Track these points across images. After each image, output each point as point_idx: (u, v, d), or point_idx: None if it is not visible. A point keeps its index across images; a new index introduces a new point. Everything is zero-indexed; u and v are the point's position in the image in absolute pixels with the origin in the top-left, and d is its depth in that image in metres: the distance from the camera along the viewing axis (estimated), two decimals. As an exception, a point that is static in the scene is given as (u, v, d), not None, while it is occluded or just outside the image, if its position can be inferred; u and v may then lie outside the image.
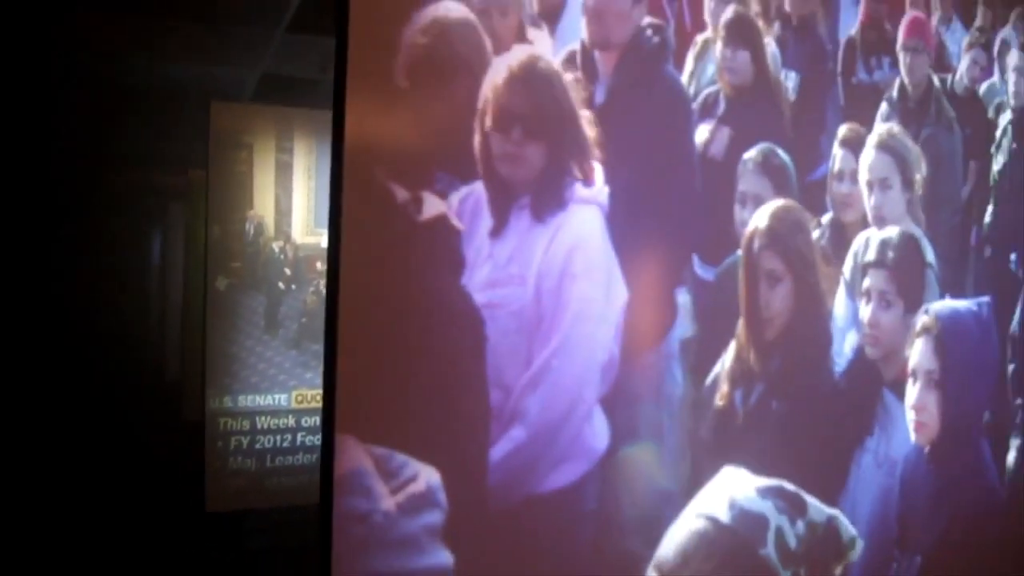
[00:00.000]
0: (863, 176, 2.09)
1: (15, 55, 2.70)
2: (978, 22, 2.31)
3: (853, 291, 2.08)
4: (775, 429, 1.94)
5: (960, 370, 2.24)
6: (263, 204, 3.02)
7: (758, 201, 1.86)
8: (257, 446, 2.91)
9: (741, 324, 1.86)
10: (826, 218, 2.02)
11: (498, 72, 1.49)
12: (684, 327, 1.74)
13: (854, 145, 2.06)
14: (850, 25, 2.10)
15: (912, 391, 2.18)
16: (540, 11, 1.63)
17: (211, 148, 2.96)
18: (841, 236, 2.04)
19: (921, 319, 2.20)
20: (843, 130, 2.05)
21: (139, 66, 3.12)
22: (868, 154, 2.09)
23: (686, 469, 1.76)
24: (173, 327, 3.31)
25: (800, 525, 1.96)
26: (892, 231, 2.11)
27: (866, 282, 2.08)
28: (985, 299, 2.37)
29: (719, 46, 1.86)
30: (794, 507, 1.99)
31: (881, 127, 2.12)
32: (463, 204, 1.48)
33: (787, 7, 1.96)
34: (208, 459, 2.85)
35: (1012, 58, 2.41)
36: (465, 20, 1.51)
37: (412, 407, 1.48)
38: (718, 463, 1.84)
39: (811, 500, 1.99)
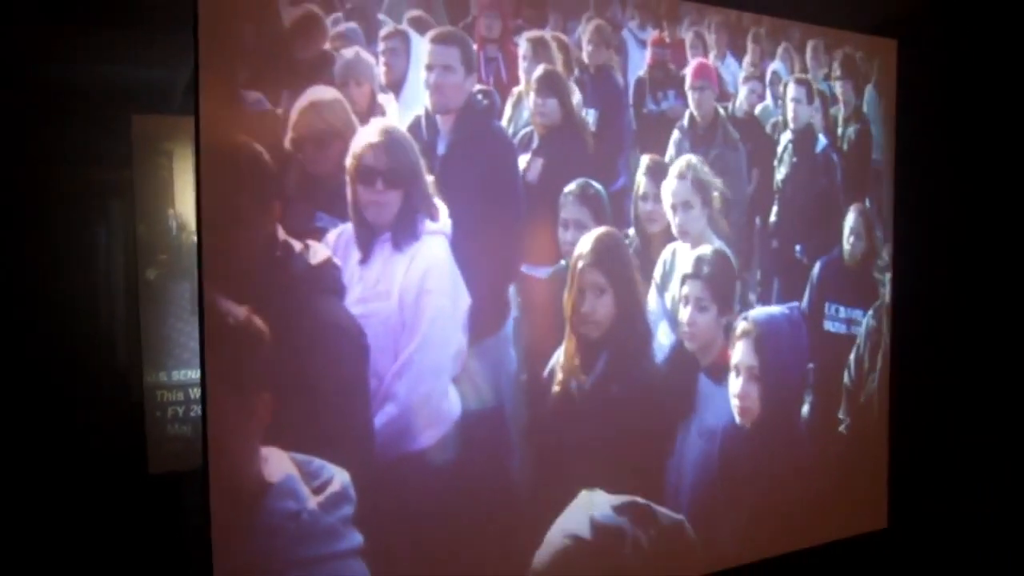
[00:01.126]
0: (667, 200, 2.67)
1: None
2: (748, 57, 2.94)
3: (662, 291, 2.67)
4: (609, 409, 2.52)
5: (776, 364, 2.89)
6: (184, 203, 3.42)
7: (579, 225, 2.43)
8: (192, 414, 3.32)
9: (568, 329, 2.42)
10: (632, 231, 2.60)
11: (362, 140, 2.05)
12: (514, 312, 2.32)
13: (655, 172, 2.65)
14: (639, 67, 2.67)
15: (736, 383, 2.80)
16: (387, 83, 2.20)
17: (134, 155, 3.37)
18: (648, 245, 2.64)
19: (741, 324, 2.82)
20: (645, 160, 2.64)
21: (79, 71, 3.48)
22: (671, 182, 2.68)
23: (522, 424, 2.35)
24: (120, 316, 3.72)
25: (653, 532, 2.57)
26: (706, 249, 2.70)
27: (684, 289, 2.66)
28: (796, 303, 3.04)
29: (532, 96, 2.41)
30: (646, 517, 2.57)
31: (681, 160, 2.71)
32: (338, 241, 2.02)
33: (585, 59, 2.53)
34: (148, 428, 3.27)
35: (790, 91, 3.07)
36: (335, 99, 2.06)
37: (314, 408, 2.00)
38: (560, 439, 2.44)
39: (660, 509, 2.59)
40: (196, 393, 3.36)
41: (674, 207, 2.67)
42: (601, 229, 2.45)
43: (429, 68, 2.21)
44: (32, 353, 3.37)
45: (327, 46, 2.14)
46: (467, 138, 2.25)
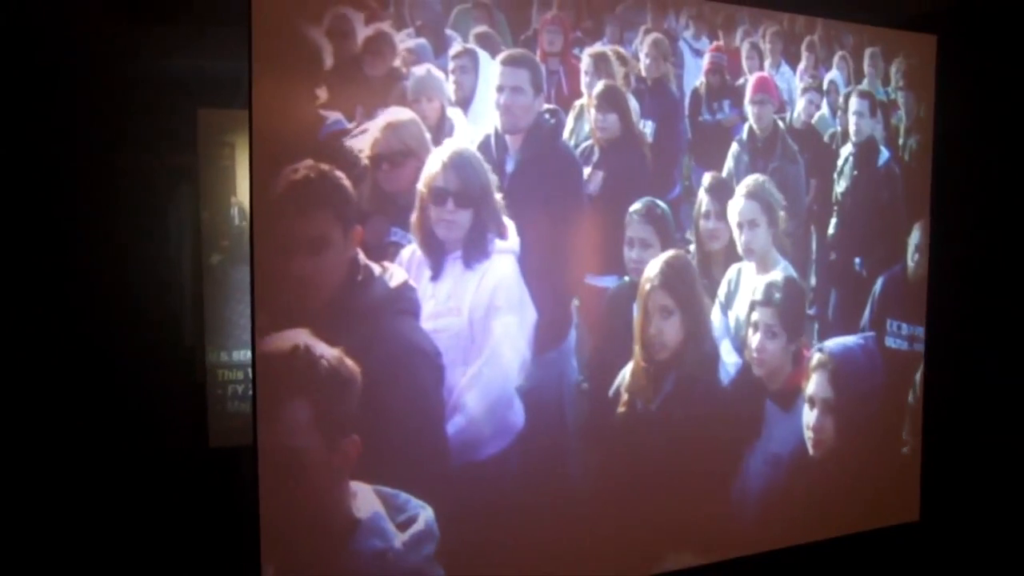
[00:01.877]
0: (733, 218, 2.75)
1: (37, 56, 3.30)
2: (803, 64, 2.98)
3: (726, 309, 2.75)
4: (675, 431, 2.63)
5: (852, 396, 2.97)
6: (245, 192, 3.56)
7: (644, 244, 2.53)
8: (250, 392, 3.56)
9: (637, 349, 2.53)
10: (693, 247, 2.68)
11: (434, 162, 2.17)
12: (576, 321, 2.44)
13: (718, 190, 2.73)
14: (694, 76, 2.74)
15: (811, 415, 2.88)
16: (457, 100, 2.32)
17: (199, 148, 3.62)
18: (709, 262, 2.72)
19: (817, 356, 2.90)
20: (707, 178, 2.72)
21: (152, 64, 3.72)
22: (738, 201, 2.76)
23: (586, 441, 2.47)
24: (187, 299, 3.95)
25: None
26: (777, 275, 2.77)
27: (754, 316, 2.74)
28: (871, 333, 3.10)
29: (593, 112, 2.51)
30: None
31: (748, 179, 2.79)
32: (411, 259, 2.15)
33: (643, 72, 2.62)
34: (210, 404, 3.54)
35: (852, 104, 3.09)
36: (411, 120, 2.20)
37: (397, 436, 2.13)
38: (626, 461, 2.55)
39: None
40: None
41: (740, 225, 2.74)
42: (669, 252, 2.55)
43: (500, 89, 2.33)
44: (106, 334, 3.56)
45: (397, 63, 2.26)
46: (534, 156, 2.36)
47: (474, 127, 2.34)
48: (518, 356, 2.28)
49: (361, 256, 2.07)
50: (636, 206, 2.54)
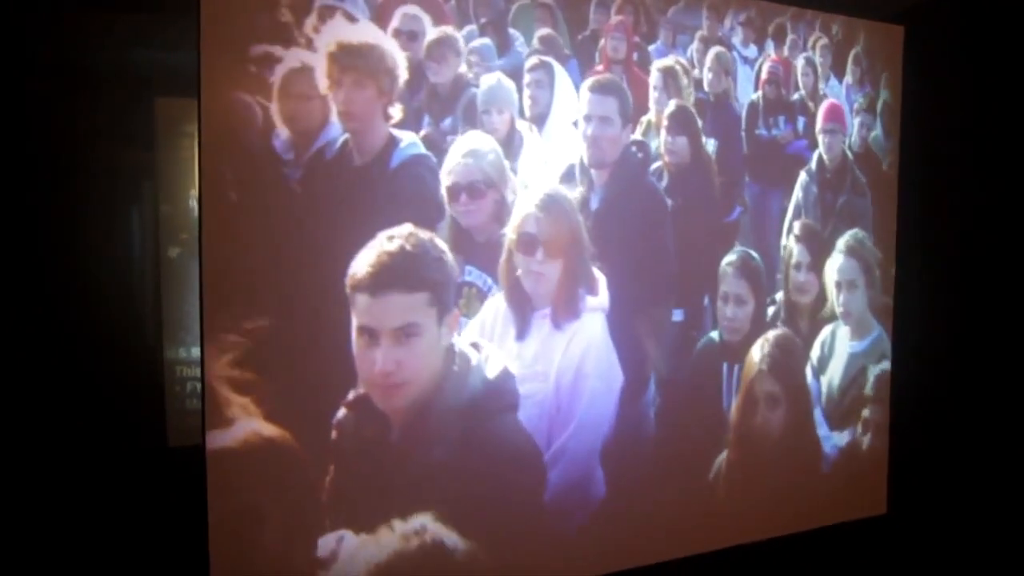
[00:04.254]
0: (831, 276, 2.64)
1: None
2: (848, 78, 2.85)
3: (818, 374, 2.64)
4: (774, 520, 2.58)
5: None
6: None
7: (739, 301, 2.41)
8: None
9: (733, 439, 2.43)
10: (780, 295, 2.55)
11: (522, 208, 1.99)
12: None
13: (808, 239, 2.61)
14: (745, 86, 2.60)
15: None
16: (532, 116, 2.15)
17: (157, 138, 3.45)
18: (794, 313, 2.59)
19: None
20: (797, 226, 2.59)
21: (108, 52, 3.46)
22: (837, 258, 2.65)
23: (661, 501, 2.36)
24: (149, 294, 3.82)
25: None
26: (885, 365, 2.73)
27: (865, 412, 2.71)
28: None
29: (663, 133, 2.35)
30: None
31: (848, 235, 2.69)
32: (495, 317, 1.97)
33: (705, 87, 2.47)
34: (168, 402, 3.40)
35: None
36: (493, 148, 2.00)
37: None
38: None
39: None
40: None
41: (838, 284, 2.65)
42: (776, 332, 2.48)
43: (587, 119, 2.16)
44: (62, 329, 3.42)
45: (463, 68, 2.06)
46: (620, 192, 2.20)
47: (547, 144, 2.17)
48: (604, 423, 2.12)
49: (457, 343, 1.85)
50: (731, 258, 2.40)
